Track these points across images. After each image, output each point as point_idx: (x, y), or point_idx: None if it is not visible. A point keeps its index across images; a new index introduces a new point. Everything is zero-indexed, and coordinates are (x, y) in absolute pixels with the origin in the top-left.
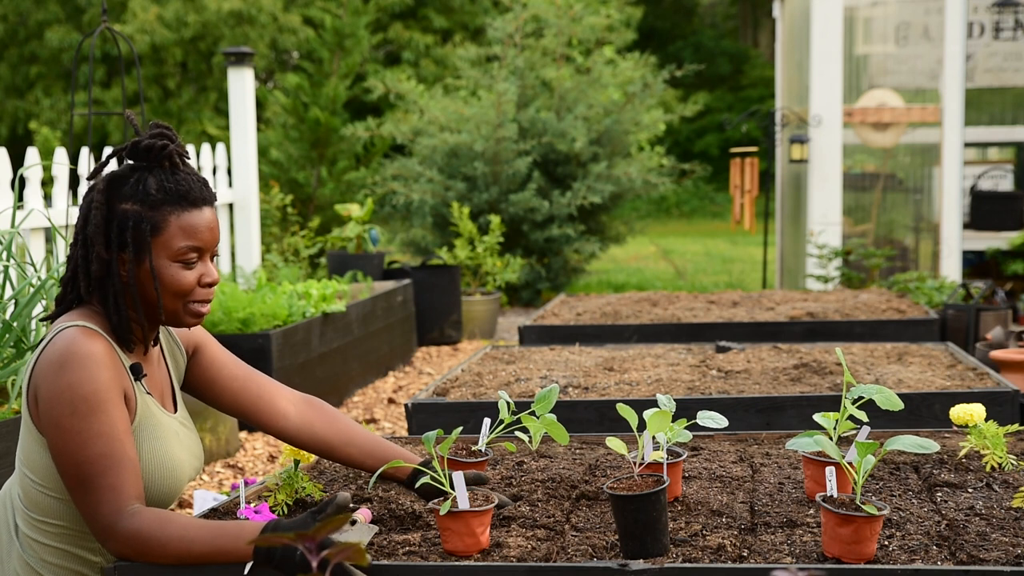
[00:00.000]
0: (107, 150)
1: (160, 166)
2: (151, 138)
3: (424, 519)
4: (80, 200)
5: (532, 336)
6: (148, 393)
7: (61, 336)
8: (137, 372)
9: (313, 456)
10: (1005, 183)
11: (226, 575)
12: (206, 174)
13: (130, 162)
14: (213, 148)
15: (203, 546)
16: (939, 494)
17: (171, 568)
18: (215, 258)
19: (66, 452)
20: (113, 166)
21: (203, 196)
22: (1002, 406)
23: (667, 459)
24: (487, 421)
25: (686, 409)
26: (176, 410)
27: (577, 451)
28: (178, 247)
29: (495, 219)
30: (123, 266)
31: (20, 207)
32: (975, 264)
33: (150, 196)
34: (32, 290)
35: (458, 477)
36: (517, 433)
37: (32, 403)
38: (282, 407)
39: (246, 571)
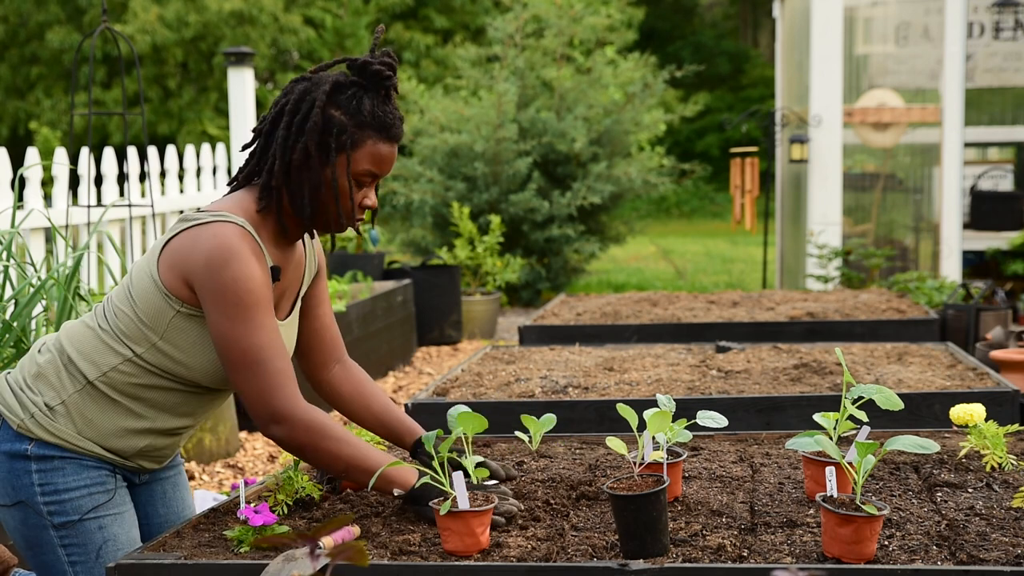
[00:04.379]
0: (107, 151)
1: (376, 92)
2: (380, 64)
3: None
4: (289, 88)
5: (532, 336)
6: None
7: (216, 230)
8: (276, 274)
9: None
10: (1005, 183)
11: (229, 574)
12: (206, 174)
13: (348, 73)
14: (213, 148)
15: (366, 458)
16: (939, 494)
17: (177, 567)
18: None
19: (235, 340)
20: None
21: (398, 135)
22: (1002, 406)
23: (667, 459)
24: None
25: (686, 409)
26: (289, 314)
27: (577, 451)
28: (363, 169)
29: (495, 219)
30: (313, 167)
31: (20, 207)
32: (975, 264)
33: (362, 116)
34: (32, 290)
35: (458, 477)
36: (517, 433)
37: (171, 275)
38: (325, 379)
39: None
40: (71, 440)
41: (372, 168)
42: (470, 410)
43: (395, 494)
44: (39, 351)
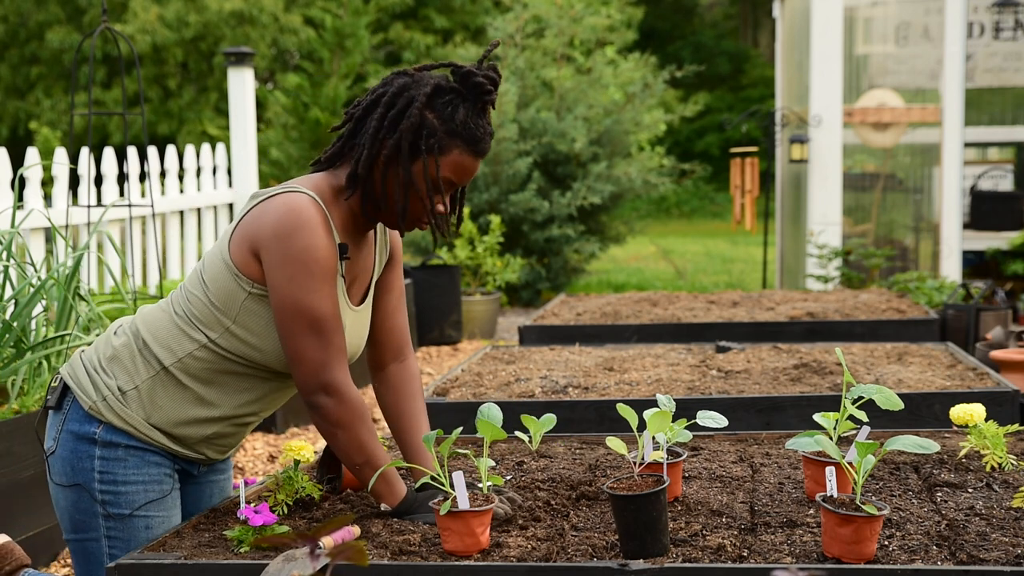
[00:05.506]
0: (107, 151)
1: (474, 103)
2: (483, 77)
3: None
4: (389, 80)
5: (532, 336)
6: (342, 276)
7: (289, 199)
8: (343, 251)
9: (313, 456)
10: (1005, 183)
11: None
12: (206, 174)
13: (450, 77)
14: (213, 148)
15: (382, 460)
16: (939, 494)
17: (177, 567)
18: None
19: (300, 306)
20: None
21: (485, 149)
22: (1002, 406)
23: (667, 459)
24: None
25: (686, 409)
26: (362, 302)
27: (577, 451)
28: (443, 176)
29: (495, 219)
30: (401, 162)
31: (20, 207)
32: (975, 264)
33: (453, 124)
34: (32, 290)
35: (458, 477)
36: (517, 433)
37: (241, 251)
38: (378, 375)
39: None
40: (139, 427)
41: (452, 177)
42: (498, 410)
43: (382, 508)
44: (115, 333)
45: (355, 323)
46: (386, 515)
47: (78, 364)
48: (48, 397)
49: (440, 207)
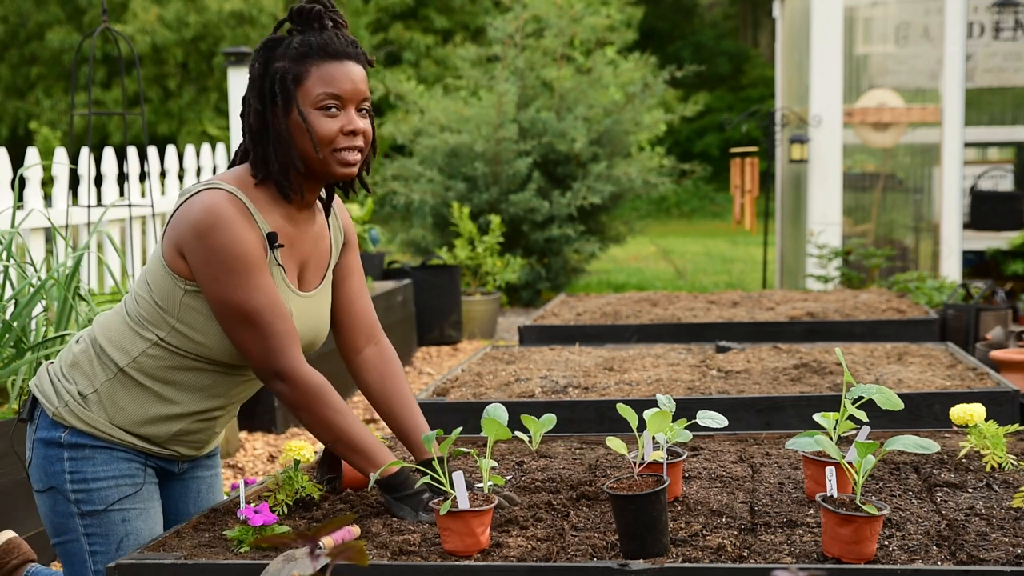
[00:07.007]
0: (107, 151)
1: (310, 27)
2: (305, 3)
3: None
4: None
5: (532, 336)
6: (279, 264)
7: (204, 197)
8: (272, 240)
9: (313, 456)
10: (1005, 183)
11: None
12: (206, 174)
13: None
14: (213, 148)
15: (355, 435)
16: (939, 494)
17: (177, 567)
18: (365, 112)
19: (231, 304)
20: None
21: (345, 50)
22: (1002, 406)
23: (667, 459)
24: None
25: (686, 409)
26: (318, 286)
27: (577, 451)
28: (316, 94)
29: (495, 219)
30: (276, 121)
31: (20, 207)
32: (975, 264)
33: (293, 50)
34: (32, 290)
35: (458, 477)
36: (517, 433)
37: (171, 250)
38: (355, 361)
39: (371, 482)
40: (102, 428)
41: (328, 89)
42: (504, 411)
43: (370, 479)
44: (76, 341)
45: (307, 309)
46: (386, 515)
47: (43, 375)
48: (20, 411)
49: (351, 125)
